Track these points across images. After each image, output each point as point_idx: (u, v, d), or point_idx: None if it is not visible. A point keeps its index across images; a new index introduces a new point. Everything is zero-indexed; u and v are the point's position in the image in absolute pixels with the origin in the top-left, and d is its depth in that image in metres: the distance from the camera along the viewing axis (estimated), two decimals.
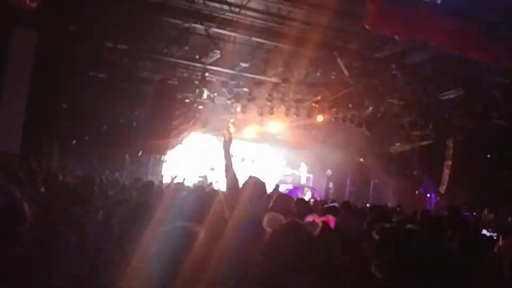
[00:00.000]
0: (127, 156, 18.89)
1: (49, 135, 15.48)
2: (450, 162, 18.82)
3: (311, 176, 25.66)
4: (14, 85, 12.32)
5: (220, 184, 17.24)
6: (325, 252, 3.40)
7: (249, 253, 3.23)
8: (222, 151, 4.14)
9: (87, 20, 13.19)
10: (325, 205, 7.23)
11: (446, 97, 16.75)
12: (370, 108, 18.24)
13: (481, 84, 15.53)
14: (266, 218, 3.35)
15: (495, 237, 5.74)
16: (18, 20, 11.31)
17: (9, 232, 1.87)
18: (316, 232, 2.97)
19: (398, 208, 12.86)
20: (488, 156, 18.16)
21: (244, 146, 22.36)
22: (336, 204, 6.97)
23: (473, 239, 4.92)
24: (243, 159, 20.95)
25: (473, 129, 17.83)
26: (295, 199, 6.08)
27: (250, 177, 4.08)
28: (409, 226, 4.66)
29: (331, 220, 4.07)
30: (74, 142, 16.85)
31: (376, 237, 4.10)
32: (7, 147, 11.83)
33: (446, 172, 18.89)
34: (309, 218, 4.10)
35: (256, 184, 4.02)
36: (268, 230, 3.18)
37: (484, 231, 7.04)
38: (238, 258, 3.23)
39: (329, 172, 24.12)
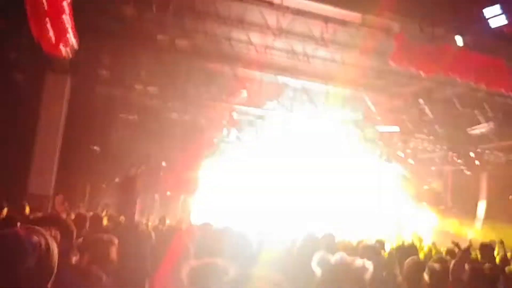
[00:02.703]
0: (156, 196, 19.04)
1: (82, 176, 15.79)
2: (484, 197, 18.35)
3: None
4: (48, 129, 12.72)
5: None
6: None
7: None
8: None
9: (117, 64, 13.66)
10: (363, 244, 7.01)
11: (477, 131, 16.48)
12: (399, 144, 18.05)
13: None
14: (315, 258, 3.31)
15: None
16: (52, 65, 11.78)
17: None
18: (368, 275, 2.96)
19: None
20: None
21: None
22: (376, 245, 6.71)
23: None
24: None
25: (507, 163, 17.42)
26: None
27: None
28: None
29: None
30: (104, 185, 17.10)
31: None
32: (40, 189, 12.12)
33: (481, 207, 18.39)
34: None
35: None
36: (318, 270, 3.13)
37: None
38: None
39: None
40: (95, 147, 16.21)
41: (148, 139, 17.50)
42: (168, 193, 19.00)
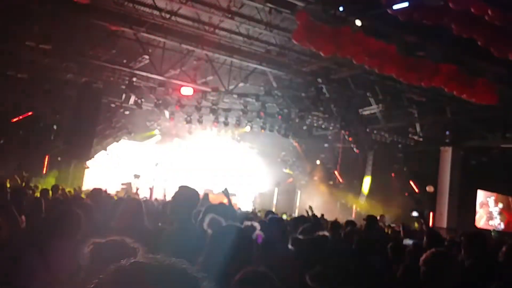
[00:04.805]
0: (46, 160, 18.04)
1: None
2: (369, 174, 19.77)
3: None
4: None
5: (143, 191, 16.89)
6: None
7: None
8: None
9: (7, 17, 12.52)
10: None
11: (368, 112, 17.59)
12: (297, 120, 18.70)
13: (401, 100, 16.46)
14: (206, 220, 3.46)
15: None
16: None
17: None
18: (254, 236, 3.16)
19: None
20: (405, 169, 19.21)
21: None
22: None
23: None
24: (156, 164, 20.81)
25: (391, 143, 18.86)
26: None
27: (180, 187, 4.06)
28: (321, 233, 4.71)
29: (260, 236, 4.18)
30: None
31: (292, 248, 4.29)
32: None
33: (366, 183, 19.80)
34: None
35: (187, 193, 4.00)
36: (209, 231, 3.27)
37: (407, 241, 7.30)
38: None
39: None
40: None
41: (38, 100, 16.43)
42: (59, 158, 18.10)
